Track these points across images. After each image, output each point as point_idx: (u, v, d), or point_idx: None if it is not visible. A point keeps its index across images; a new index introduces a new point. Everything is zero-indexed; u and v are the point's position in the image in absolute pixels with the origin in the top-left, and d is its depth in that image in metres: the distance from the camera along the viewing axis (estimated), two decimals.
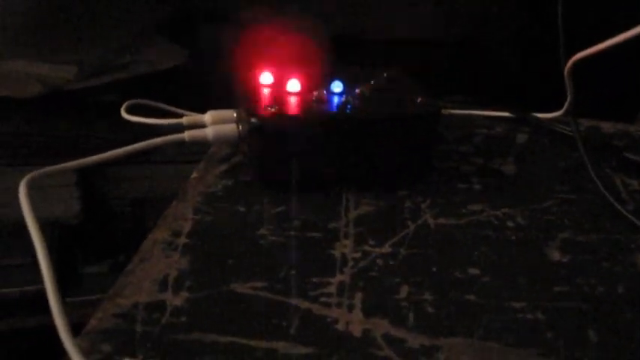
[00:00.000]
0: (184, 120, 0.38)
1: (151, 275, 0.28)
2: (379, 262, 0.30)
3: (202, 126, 0.37)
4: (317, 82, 0.37)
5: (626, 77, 0.92)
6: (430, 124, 0.36)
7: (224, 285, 0.28)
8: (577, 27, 0.40)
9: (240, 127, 0.36)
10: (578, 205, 0.36)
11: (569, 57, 0.36)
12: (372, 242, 0.31)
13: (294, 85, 0.37)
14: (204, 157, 0.39)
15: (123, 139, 0.37)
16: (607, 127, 0.47)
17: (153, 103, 0.43)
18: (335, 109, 0.35)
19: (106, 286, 0.27)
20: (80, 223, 0.81)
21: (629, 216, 0.34)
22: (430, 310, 0.27)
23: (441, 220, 0.34)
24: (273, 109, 0.34)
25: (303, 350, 0.24)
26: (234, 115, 0.37)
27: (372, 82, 0.38)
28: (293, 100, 0.36)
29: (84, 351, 0.22)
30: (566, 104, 0.40)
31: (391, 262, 0.30)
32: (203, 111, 0.38)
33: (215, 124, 0.37)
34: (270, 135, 0.34)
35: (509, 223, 0.34)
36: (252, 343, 0.24)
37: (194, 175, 0.37)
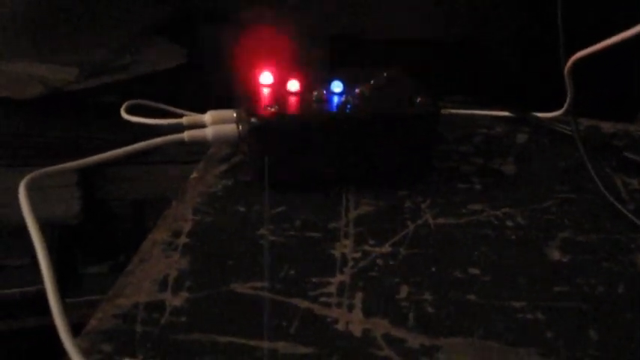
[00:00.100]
0: (184, 120, 0.38)
1: (151, 275, 0.28)
2: (379, 262, 0.30)
3: (202, 126, 0.37)
4: (317, 82, 0.37)
5: (626, 77, 0.92)
6: (430, 124, 0.36)
7: (224, 285, 0.28)
8: (577, 27, 0.40)
9: (240, 127, 0.36)
10: (578, 204, 0.36)
11: (569, 57, 0.36)
12: (372, 242, 0.31)
13: (294, 85, 0.37)
14: (204, 157, 0.39)
15: (123, 140, 0.37)
16: (607, 126, 0.47)
17: (153, 104, 0.43)
18: (335, 109, 0.35)
19: (106, 287, 0.27)
20: (80, 224, 0.81)
21: (630, 215, 0.34)
22: (430, 309, 0.27)
23: (441, 220, 0.34)
24: (273, 109, 0.34)
25: (303, 350, 0.24)
26: (234, 115, 0.37)
27: (372, 82, 0.38)
28: (293, 100, 0.36)
29: (84, 351, 0.22)
30: (566, 104, 0.40)
31: (391, 262, 0.30)
32: (203, 111, 0.38)
33: (215, 124, 0.37)
34: (270, 135, 0.34)
35: (510, 223, 0.34)
36: (252, 343, 0.24)
37: (194, 175, 0.37)
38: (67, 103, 0.80)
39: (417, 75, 0.39)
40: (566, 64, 0.36)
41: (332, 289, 0.28)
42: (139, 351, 0.24)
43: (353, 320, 0.26)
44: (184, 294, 0.27)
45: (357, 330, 0.25)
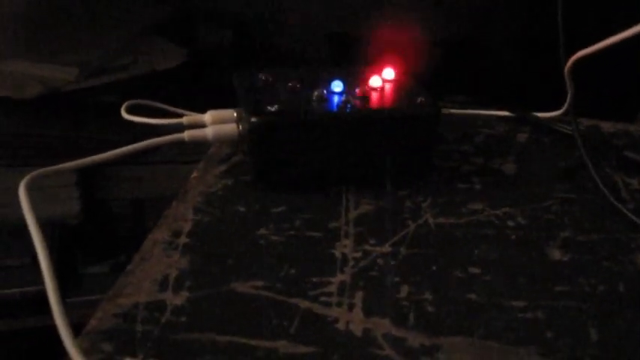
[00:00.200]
0: (184, 120, 0.38)
1: (151, 275, 0.28)
2: (379, 261, 0.30)
3: (202, 126, 0.37)
4: (317, 82, 0.37)
5: (626, 77, 0.92)
6: (430, 124, 0.36)
7: (224, 285, 0.28)
8: (577, 27, 0.40)
9: (240, 127, 0.36)
10: (579, 204, 0.36)
11: (569, 56, 0.36)
12: (372, 242, 0.31)
13: (294, 84, 0.37)
14: (204, 157, 0.39)
15: (123, 139, 0.37)
16: (607, 126, 0.47)
17: (153, 103, 0.43)
18: (335, 109, 0.35)
19: (106, 287, 0.27)
20: (80, 224, 0.81)
21: (630, 215, 0.34)
22: (430, 309, 0.27)
23: (442, 220, 0.34)
24: (273, 109, 0.34)
25: (303, 350, 0.24)
26: (234, 115, 0.37)
27: (372, 82, 0.38)
28: (293, 100, 0.36)
29: (84, 351, 0.22)
30: (566, 104, 0.40)
31: (392, 262, 0.30)
32: (203, 111, 0.38)
33: (215, 124, 0.37)
34: (270, 135, 0.34)
35: (510, 223, 0.34)
36: (253, 342, 0.24)
37: (194, 175, 0.37)
38: (66, 103, 0.80)
39: (417, 75, 0.39)
40: (566, 64, 0.36)
41: (332, 288, 0.28)
42: (140, 350, 0.24)
43: (353, 320, 0.26)
44: (185, 293, 0.27)
45: (357, 329, 0.26)
